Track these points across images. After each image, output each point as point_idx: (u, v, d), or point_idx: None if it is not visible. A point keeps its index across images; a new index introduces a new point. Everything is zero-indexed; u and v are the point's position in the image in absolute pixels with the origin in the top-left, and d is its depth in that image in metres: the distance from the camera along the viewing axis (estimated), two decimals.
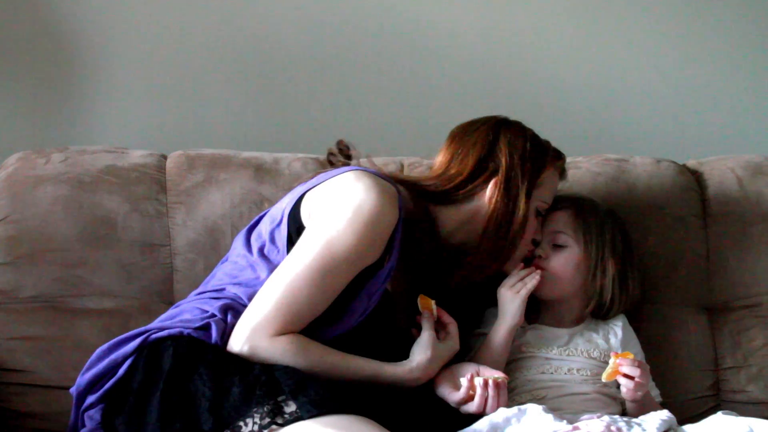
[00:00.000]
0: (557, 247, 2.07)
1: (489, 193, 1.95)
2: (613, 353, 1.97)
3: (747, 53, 2.78)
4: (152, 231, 2.13)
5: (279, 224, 1.88)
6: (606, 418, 1.83)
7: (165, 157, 2.22)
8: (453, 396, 1.88)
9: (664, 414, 1.89)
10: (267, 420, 1.63)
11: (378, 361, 1.82)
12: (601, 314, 2.09)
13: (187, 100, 2.59)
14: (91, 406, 1.80)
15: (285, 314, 1.77)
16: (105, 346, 1.81)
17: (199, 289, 1.94)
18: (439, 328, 1.92)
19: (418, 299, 1.91)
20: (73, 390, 1.83)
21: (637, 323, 2.15)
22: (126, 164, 2.17)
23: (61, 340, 2.05)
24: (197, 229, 2.14)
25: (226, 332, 1.79)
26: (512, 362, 2.03)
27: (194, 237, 2.13)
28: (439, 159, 2.01)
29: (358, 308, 1.85)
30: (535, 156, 1.98)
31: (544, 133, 2.73)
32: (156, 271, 2.12)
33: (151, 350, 1.77)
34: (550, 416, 1.86)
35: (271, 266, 1.85)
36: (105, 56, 2.57)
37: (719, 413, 1.94)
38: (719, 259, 2.28)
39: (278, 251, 1.86)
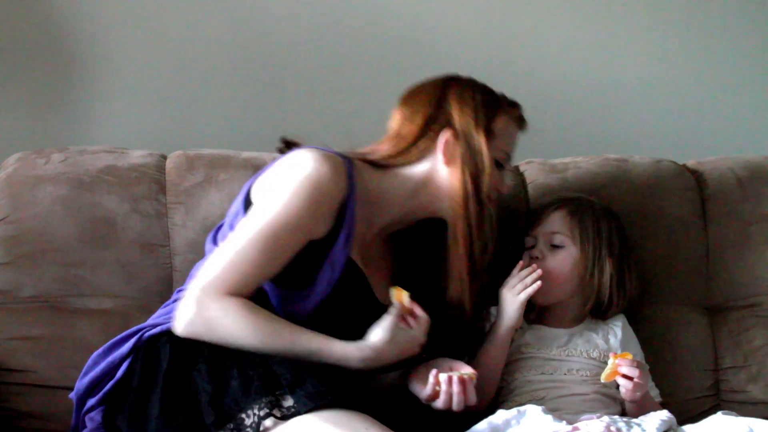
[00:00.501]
0: (554, 247, 2.07)
1: (444, 148, 1.92)
2: (611, 354, 1.97)
3: (747, 53, 2.77)
4: (152, 231, 2.13)
5: (237, 215, 1.90)
6: (605, 418, 1.83)
7: (165, 157, 2.22)
8: (422, 393, 1.86)
9: (664, 414, 1.88)
10: (265, 411, 1.64)
11: (330, 337, 1.79)
12: (599, 314, 2.09)
13: (186, 100, 2.59)
14: (92, 408, 1.81)
15: (233, 275, 1.77)
16: (100, 349, 1.83)
17: (182, 287, 1.95)
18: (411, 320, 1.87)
19: (392, 290, 1.88)
20: (72, 395, 1.84)
21: (637, 323, 2.14)
22: (125, 164, 2.17)
23: (61, 339, 2.05)
24: (197, 229, 2.14)
25: None
26: (511, 363, 2.03)
27: (194, 237, 2.13)
28: (391, 123, 1.99)
29: (323, 279, 1.85)
30: (486, 105, 1.96)
31: (544, 133, 2.73)
32: (156, 271, 2.12)
33: (147, 348, 1.78)
34: (549, 417, 1.86)
35: None
36: (105, 56, 2.57)
37: (719, 413, 1.94)
38: (719, 259, 2.28)
39: None
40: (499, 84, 2.69)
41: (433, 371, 1.85)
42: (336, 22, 2.64)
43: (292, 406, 1.64)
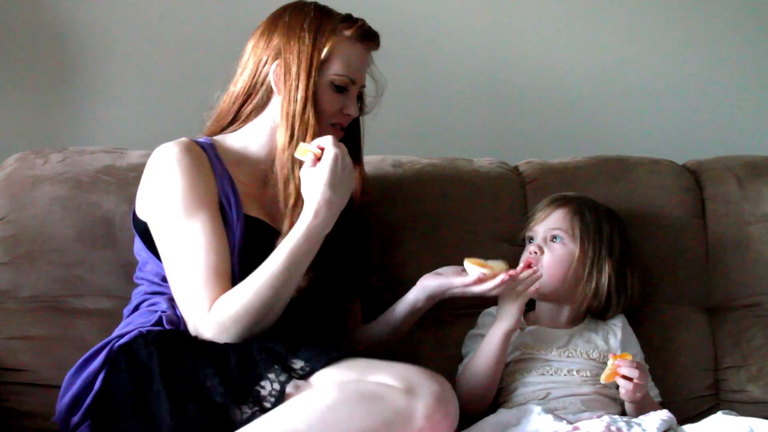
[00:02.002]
0: (553, 244, 2.07)
1: (275, 80, 1.90)
2: (611, 354, 1.97)
3: (747, 53, 2.77)
4: None
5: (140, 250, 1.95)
6: (606, 418, 1.83)
7: None
8: (463, 279, 1.91)
9: (664, 414, 1.88)
10: (285, 376, 1.63)
11: (285, 239, 1.79)
12: (599, 314, 2.09)
13: (186, 100, 2.58)
14: (78, 425, 1.80)
15: (198, 286, 1.77)
16: (71, 370, 1.83)
17: (142, 298, 1.95)
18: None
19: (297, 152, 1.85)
20: (55, 418, 1.84)
21: (637, 323, 2.15)
22: (124, 164, 2.17)
23: (60, 339, 2.05)
24: None
25: (180, 322, 1.82)
26: (512, 364, 2.03)
27: None
28: (234, 79, 1.99)
29: (231, 241, 1.85)
30: (316, 29, 1.90)
31: (544, 133, 2.73)
32: None
33: (124, 355, 1.77)
34: (549, 417, 1.86)
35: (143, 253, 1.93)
36: (105, 57, 2.57)
37: (719, 413, 1.94)
38: (719, 259, 2.28)
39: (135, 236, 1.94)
40: (500, 84, 2.70)
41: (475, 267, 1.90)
42: None
43: (305, 365, 1.64)
